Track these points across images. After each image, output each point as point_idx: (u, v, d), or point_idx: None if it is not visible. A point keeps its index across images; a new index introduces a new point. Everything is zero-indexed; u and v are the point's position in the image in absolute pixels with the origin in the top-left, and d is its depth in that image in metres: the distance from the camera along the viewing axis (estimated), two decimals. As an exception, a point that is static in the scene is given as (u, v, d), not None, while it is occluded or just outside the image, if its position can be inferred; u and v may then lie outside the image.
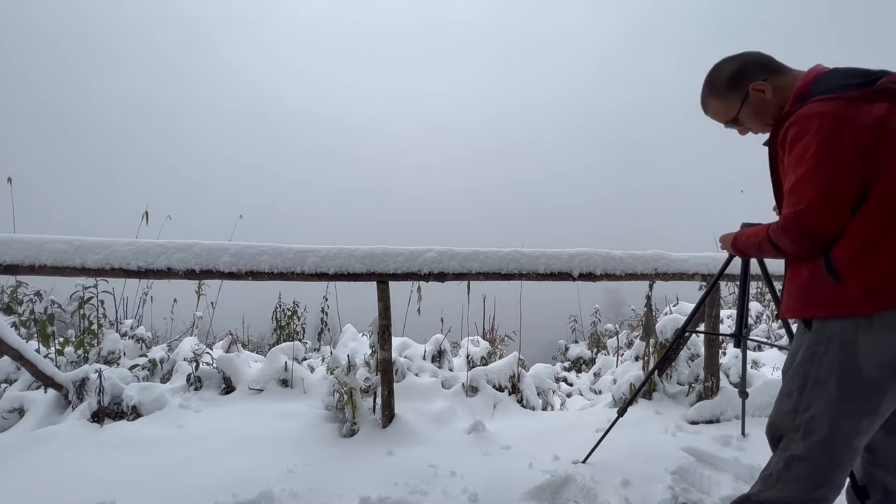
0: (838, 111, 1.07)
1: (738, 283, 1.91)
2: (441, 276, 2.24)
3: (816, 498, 1.19)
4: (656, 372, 2.97)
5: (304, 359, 3.40)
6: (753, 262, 1.93)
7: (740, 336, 1.87)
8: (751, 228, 1.38)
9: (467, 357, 3.31)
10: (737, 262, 1.89)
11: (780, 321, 3.84)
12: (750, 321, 4.87)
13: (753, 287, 4.47)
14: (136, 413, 2.44)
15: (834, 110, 1.07)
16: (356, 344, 3.10)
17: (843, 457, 1.16)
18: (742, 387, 2.28)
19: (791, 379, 1.23)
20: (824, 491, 1.19)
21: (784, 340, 4.09)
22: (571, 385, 4.10)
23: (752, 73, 1.25)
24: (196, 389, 2.78)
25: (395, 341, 3.08)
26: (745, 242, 1.37)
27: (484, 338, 3.83)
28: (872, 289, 1.06)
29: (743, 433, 2.33)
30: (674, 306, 3.76)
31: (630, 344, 4.26)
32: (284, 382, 2.85)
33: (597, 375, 3.97)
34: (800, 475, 1.19)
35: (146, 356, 3.05)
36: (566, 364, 5.02)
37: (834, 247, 1.10)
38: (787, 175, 1.16)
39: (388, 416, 2.31)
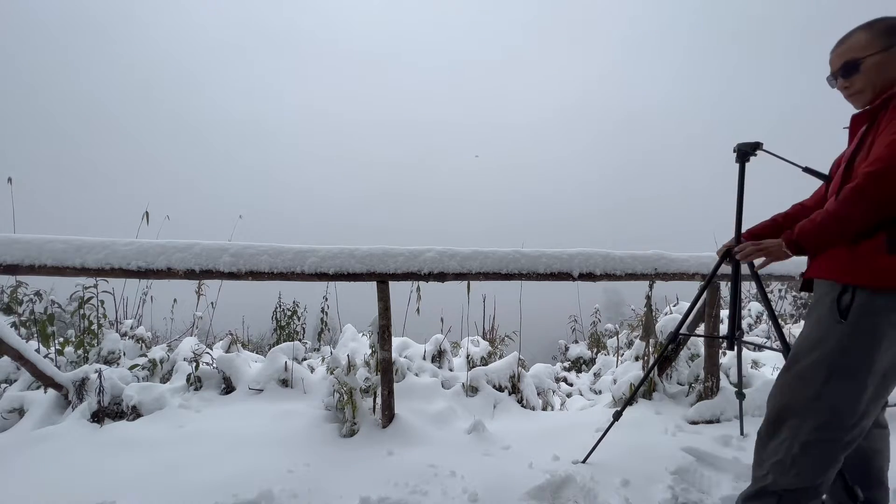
0: None
1: (752, 283, 1.94)
2: (441, 276, 2.24)
3: (828, 479, 1.26)
4: (655, 372, 2.98)
5: (304, 359, 3.40)
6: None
7: (733, 339, 1.88)
8: (805, 221, 1.35)
9: (467, 357, 3.31)
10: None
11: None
12: (751, 321, 4.87)
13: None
14: (136, 413, 2.44)
15: None
16: (356, 344, 3.09)
17: (857, 438, 1.24)
18: (739, 388, 2.28)
19: (815, 365, 1.25)
20: (833, 470, 1.26)
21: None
22: (571, 385, 4.10)
23: None
24: (196, 389, 2.78)
25: (395, 341, 3.08)
26: (804, 231, 1.33)
27: (484, 338, 3.83)
28: None
29: (742, 433, 2.33)
30: (674, 306, 3.76)
31: (630, 344, 4.26)
32: (284, 382, 2.85)
33: (597, 375, 3.96)
34: (817, 459, 1.24)
35: (146, 356, 3.04)
36: (566, 364, 5.02)
37: None
38: (877, 142, 1.21)
39: (388, 416, 2.31)
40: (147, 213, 3.06)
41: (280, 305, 4.02)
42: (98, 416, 2.34)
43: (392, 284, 2.29)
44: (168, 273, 2.03)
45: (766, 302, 1.75)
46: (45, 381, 2.38)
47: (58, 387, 2.39)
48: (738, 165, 1.73)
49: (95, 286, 2.93)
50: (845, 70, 1.35)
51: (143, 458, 1.98)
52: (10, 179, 2.81)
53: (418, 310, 2.93)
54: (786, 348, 1.50)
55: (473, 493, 1.76)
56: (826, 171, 1.53)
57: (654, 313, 3.09)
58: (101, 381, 2.37)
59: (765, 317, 4.89)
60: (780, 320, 3.43)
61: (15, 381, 2.63)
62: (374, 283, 2.25)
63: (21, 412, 2.38)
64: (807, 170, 1.54)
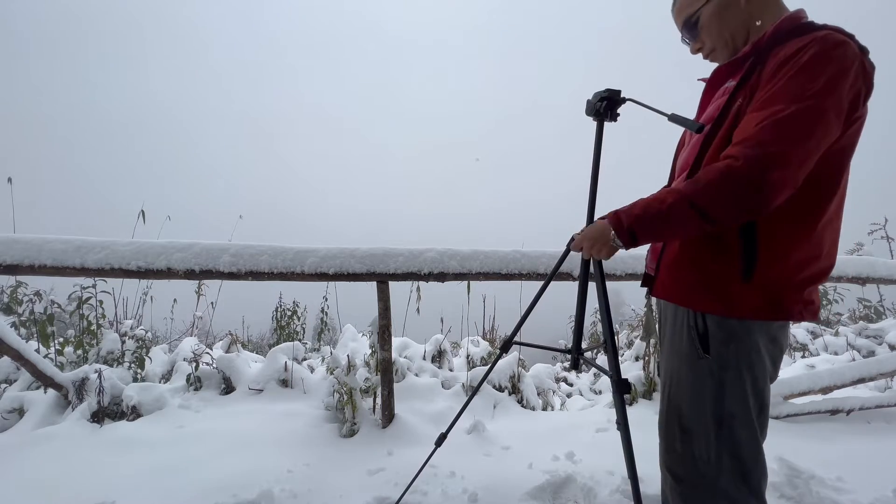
0: (858, 57, 0.88)
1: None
2: (441, 276, 2.24)
3: None
4: (656, 371, 2.97)
5: (304, 359, 3.40)
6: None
7: (577, 356, 1.47)
8: (644, 199, 1.01)
9: (467, 357, 3.31)
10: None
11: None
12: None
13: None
14: (136, 413, 2.44)
15: (855, 53, 0.88)
16: (356, 344, 3.10)
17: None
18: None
19: (695, 415, 1.04)
20: None
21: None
22: (571, 385, 4.10)
23: None
24: (196, 389, 2.78)
25: (395, 341, 3.08)
26: (642, 216, 0.99)
27: (484, 338, 3.83)
28: (778, 299, 0.96)
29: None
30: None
31: (630, 344, 4.25)
32: (284, 382, 2.85)
33: (597, 376, 3.96)
34: None
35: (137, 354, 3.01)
36: (566, 364, 5.02)
37: (765, 229, 0.94)
38: (761, 98, 0.91)
39: (388, 416, 2.31)
40: (143, 211, 3.05)
41: (280, 305, 4.03)
42: (98, 416, 2.34)
43: (392, 284, 2.29)
44: (168, 273, 2.03)
45: (606, 313, 1.25)
46: (45, 381, 2.38)
47: (58, 387, 2.39)
48: (594, 124, 1.29)
49: (94, 286, 2.93)
50: (689, 30, 1.13)
51: (142, 459, 1.97)
52: (10, 179, 2.81)
53: (418, 310, 2.93)
54: (617, 376, 1.21)
55: (473, 494, 1.76)
56: None
57: (654, 313, 3.09)
58: (100, 381, 2.37)
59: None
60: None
61: (15, 381, 2.63)
62: (374, 283, 2.25)
63: (21, 412, 2.38)
64: (674, 118, 1.14)
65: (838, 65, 0.86)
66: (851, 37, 0.91)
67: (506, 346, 1.59)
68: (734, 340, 0.99)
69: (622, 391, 1.19)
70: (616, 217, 1.04)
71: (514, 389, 3.04)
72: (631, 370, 3.09)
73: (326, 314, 3.83)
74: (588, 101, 1.29)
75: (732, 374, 1.00)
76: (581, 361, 1.43)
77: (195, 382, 2.80)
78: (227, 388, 2.83)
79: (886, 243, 4.56)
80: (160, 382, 2.89)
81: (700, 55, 1.17)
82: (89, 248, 1.99)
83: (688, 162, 1.09)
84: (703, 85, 1.18)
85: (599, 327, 5.32)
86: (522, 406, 2.96)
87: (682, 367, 1.07)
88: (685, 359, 1.06)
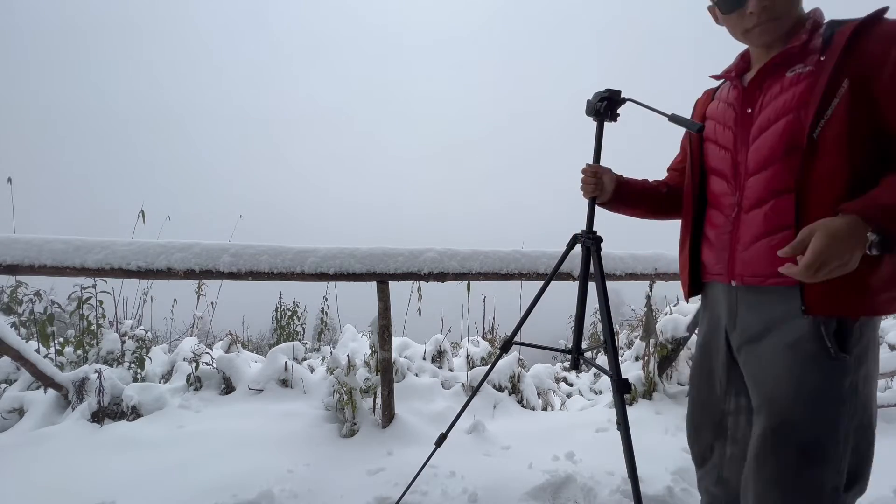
0: None
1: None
2: (441, 276, 2.24)
3: None
4: (655, 372, 2.98)
5: (304, 359, 3.40)
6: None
7: (577, 356, 1.45)
8: (879, 189, 0.86)
9: (467, 357, 3.31)
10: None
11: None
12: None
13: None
14: (136, 413, 2.44)
15: None
16: (356, 344, 3.10)
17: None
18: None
19: (824, 429, 0.94)
20: None
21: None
22: (571, 385, 4.09)
23: None
24: (196, 390, 2.78)
25: (395, 341, 3.08)
26: None
27: (484, 338, 3.83)
28: None
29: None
30: (674, 306, 3.76)
31: (630, 344, 4.25)
32: (284, 382, 2.85)
33: (597, 376, 3.96)
34: None
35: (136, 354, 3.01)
36: (566, 364, 5.02)
37: None
38: None
39: (388, 416, 2.31)
40: (143, 211, 3.05)
41: (280, 305, 4.03)
42: (98, 416, 2.34)
43: (392, 284, 2.29)
44: (168, 273, 2.03)
45: (606, 309, 1.25)
46: (44, 381, 2.38)
47: (58, 387, 2.39)
48: (594, 124, 1.31)
49: (94, 286, 2.92)
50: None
51: (142, 459, 1.97)
52: (9, 179, 2.81)
53: (419, 310, 2.93)
54: (617, 376, 1.20)
55: (473, 494, 1.76)
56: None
57: (654, 313, 3.09)
58: (100, 381, 2.37)
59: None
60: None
61: (15, 381, 2.63)
62: (374, 283, 2.25)
63: (21, 412, 2.37)
64: (674, 118, 1.11)
65: None
66: None
67: (506, 346, 1.59)
68: (864, 334, 0.92)
69: (622, 391, 1.19)
70: (871, 209, 0.82)
71: (514, 389, 3.04)
72: (631, 370, 3.09)
73: (326, 314, 3.83)
74: (588, 102, 1.30)
75: (864, 372, 0.93)
76: (581, 361, 1.43)
77: (195, 382, 2.80)
78: (227, 388, 2.83)
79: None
80: (160, 382, 2.89)
81: (741, 24, 1.03)
82: (89, 248, 1.99)
83: (781, 144, 0.96)
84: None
85: (599, 327, 5.32)
86: (522, 406, 2.96)
87: (802, 374, 0.94)
88: (809, 361, 0.93)
